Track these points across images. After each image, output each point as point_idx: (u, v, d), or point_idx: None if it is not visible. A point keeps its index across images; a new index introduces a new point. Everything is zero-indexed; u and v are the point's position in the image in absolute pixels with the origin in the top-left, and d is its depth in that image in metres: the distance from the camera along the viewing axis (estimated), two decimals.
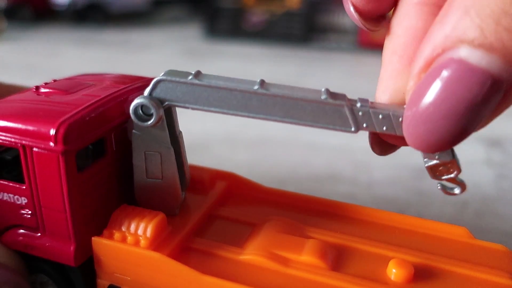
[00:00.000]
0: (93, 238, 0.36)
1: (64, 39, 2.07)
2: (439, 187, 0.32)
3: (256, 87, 0.32)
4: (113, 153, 0.38)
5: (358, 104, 0.31)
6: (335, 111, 0.31)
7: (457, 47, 0.23)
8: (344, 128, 0.32)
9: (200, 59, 1.70)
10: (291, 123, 0.33)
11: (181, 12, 2.92)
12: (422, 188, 0.68)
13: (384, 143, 0.33)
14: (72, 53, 1.79)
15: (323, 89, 0.32)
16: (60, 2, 2.47)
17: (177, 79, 0.34)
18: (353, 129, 0.31)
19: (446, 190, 0.32)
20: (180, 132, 0.41)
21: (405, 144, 0.30)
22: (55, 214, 0.35)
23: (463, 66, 0.23)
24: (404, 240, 0.38)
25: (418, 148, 0.26)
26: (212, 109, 0.34)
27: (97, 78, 0.44)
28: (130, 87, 0.40)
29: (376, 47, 1.86)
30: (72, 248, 0.35)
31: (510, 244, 0.55)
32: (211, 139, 0.88)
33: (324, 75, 1.46)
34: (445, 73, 0.23)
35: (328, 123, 0.32)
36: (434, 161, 0.30)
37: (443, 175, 0.31)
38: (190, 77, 0.33)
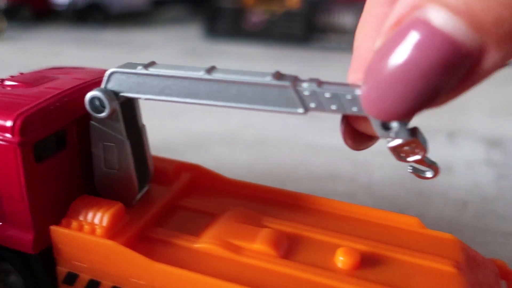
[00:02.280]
0: (51, 227, 0.37)
1: (64, 39, 2.07)
2: (410, 170, 0.30)
3: (201, 73, 0.33)
4: (74, 145, 0.39)
5: (303, 84, 0.30)
6: (280, 92, 0.31)
7: (424, 6, 0.21)
8: (292, 109, 0.31)
9: (200, 59, 1.70)
10: (238, 107, 0.33)
11: (181, 12, 2.92)
12: (422, 188, 0.68)
13: (355, 134, 0.31)
14: (72, 53, 1.79)
15: (271, 72, 0.31)
16: (60, 2, 2.47)
17: (128, 70, 0.34)
18: (300, 110, 0.30)
19: (418, 174, 0.30)
20: (143, 125, 0.42)
21: (371, 132, 0.29)
22: (15, 204, 0.36)
23: (427, 29, 0.21)
24: (356, 229, 0.40)
25: (371, 113, 0.25)
26: (163, 98, 0.34)
27: (66, 71, 0.45)
28: (96, 80, 0.40)
29: None
30: (31, 236, 0.36)
31: (510, 244, 0.55)
32: (211, 139, 0.88)
33: (324, 75, 1.46)
34: (409, 34, 0.21)
35: (275, 105, 0.31)
36: (396, 141, 0.28)
37: (409, 156, 0.29)
38: (140, 67, 0.34)
